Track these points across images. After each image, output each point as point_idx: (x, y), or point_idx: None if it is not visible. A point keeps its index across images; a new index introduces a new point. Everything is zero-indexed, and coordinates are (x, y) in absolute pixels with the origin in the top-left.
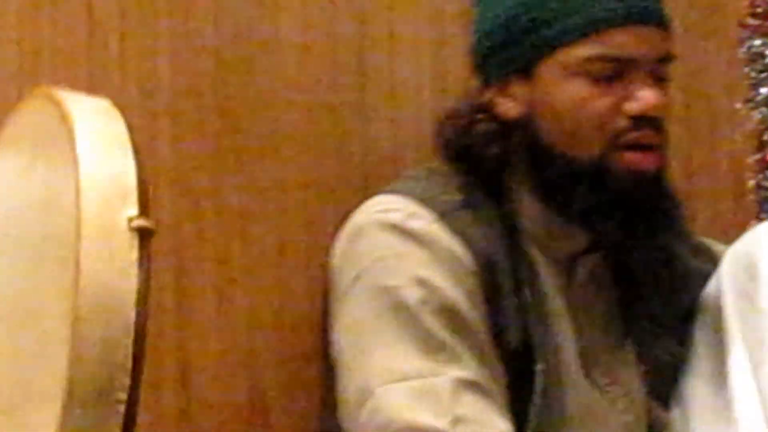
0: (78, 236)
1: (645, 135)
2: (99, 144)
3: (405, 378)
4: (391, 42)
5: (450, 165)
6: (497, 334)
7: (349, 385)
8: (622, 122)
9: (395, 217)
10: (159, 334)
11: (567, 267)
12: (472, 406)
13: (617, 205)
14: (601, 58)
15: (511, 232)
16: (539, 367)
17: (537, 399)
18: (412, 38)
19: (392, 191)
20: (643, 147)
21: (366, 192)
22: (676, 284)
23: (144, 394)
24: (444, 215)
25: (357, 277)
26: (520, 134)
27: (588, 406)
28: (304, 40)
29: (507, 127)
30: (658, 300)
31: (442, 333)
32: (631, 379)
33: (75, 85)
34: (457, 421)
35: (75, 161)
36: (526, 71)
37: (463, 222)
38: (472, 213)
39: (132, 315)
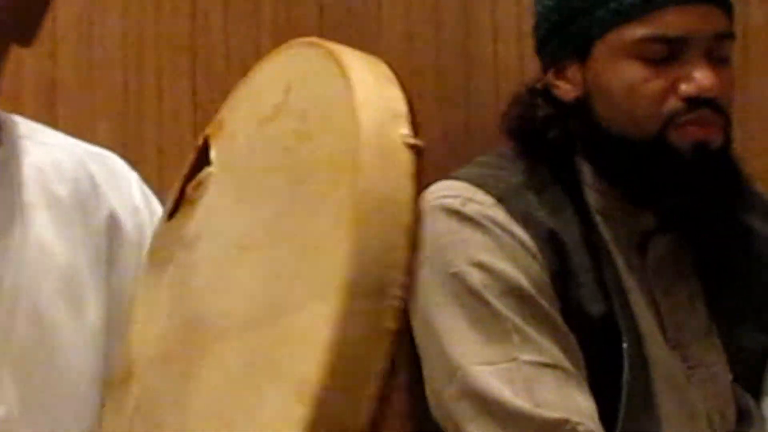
0: (357, 150)
1: (702, 115)
2: (369, 74)
3: (483, 362)
4: (494, 28)
5: (516, 148)
6: (573, 312)
7: (432, 369)
8: (678, 104)
9: (452, 203)
10: None
11: (638, 247)
12: (550, 387)
13: (681, 180)
14: (654, 39)
15: (579, 210)
16: (625, 344)
17: (626, 376)
18: (515, 24)
19: (453, 177)
20: (701, 124)
21: None
22: (755, 263)
23: None
24: (502, 198)
25: (422, 264)
26: (578, 116)
27: (675, 385)
28: (408, 28)
29: (565, 110)
30: (740, 283)
31: (511, 316)
32: (718, 364)
33: (178, 70)
34: (538, 404)
35: (347, 88)
36: (580, 54)
37: (524, 203)
38: (535, 194)
39: (408, 220)
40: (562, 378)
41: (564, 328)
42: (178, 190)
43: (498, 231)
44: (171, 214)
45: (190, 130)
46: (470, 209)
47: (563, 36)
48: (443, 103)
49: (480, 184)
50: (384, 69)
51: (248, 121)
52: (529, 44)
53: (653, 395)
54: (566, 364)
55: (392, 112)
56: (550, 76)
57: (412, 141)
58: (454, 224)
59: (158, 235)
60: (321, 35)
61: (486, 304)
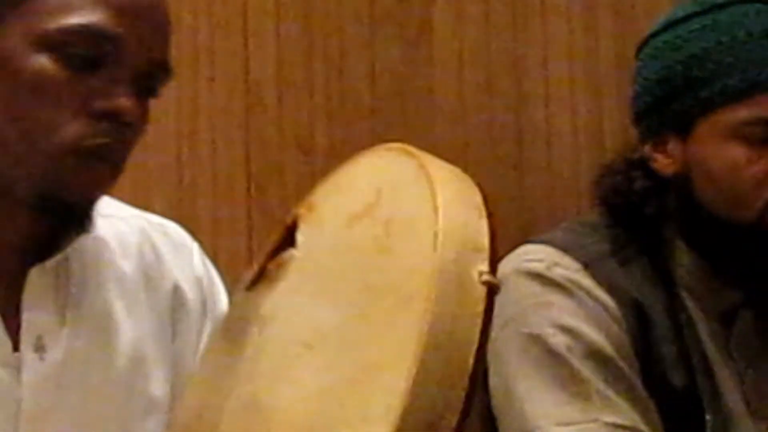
0: (432, 281)
1: None
2: (457, 200)
3: (562, 422)
4: (547, 96)
5: (604, 216)
6: (656, 382)
7: (507, 430)
8: None
9: (538, 266)
10: None
11: (725, 318)
12: None
13: None
14: (757, 122)
15: (665, 282)
16: (708, 417)
17: None
18: (567, 92)
19: (538, 241)
20: None
21: None
22: None
23: None
24: (588, 264)
25: (504, 325)
26: (675, 192)
27: None
28: (460, 96)
29: (663, 184)
30: None
31: (593, 378)
32: None
33: (233, 143)
34: None
35: (434, 210)
36: (682, 130)
37: (610, 270)
38: (620, 262)
39: (471, 362)
40: None
41: (643, 393)
42: (262, 264)
43: (582, 295)
44: (251, 285)
45: (244, 201)
46: (555, 273)
47: (665, 111)
48: (495, 171)
49: (566, 249)
50: (474, 195)
51: (337, 213)
52: (581, 112)
53: None
54: (644, 428)
55: (474, 246)
56: (648, 149)
57: (489, 279)
58: (537, 288)
59: (235, 304)
60: (373, 107)
61: (568, 365)
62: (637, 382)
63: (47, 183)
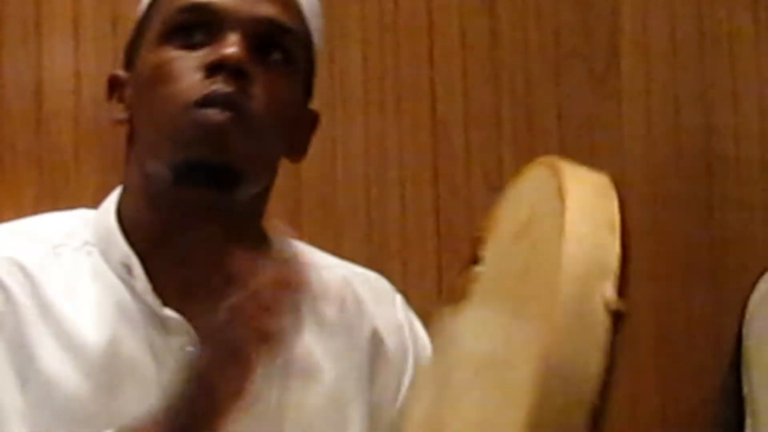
0: (553, 310)
1: None
2: (588, 219)
3: None
4: (736, 128)
5: None
6: None
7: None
8: None
9: None
10: None
11: None
12: None
13: None
14: None
15: None
16: None
17: None
18: (757, 123)
19: None
20: None
21: (715, 281)
22: None
23: None
24: None
25: None
26: None
27: None
28: (648, 130)
29: None
30: None
31: None
32: None
33: (421, 182)
34: None
35: (561, 233)
36: None
37: None
38: None
39: (591, 398)
40: None
41: None
42: (458, 280)
43: None
44: (448, 301)
45: (434, 240)
46: None
47: None
48: (685, 206)
49: None
50: (610, 212)
51: (508, 230)
52: None
53: None
54: None
55: (601, 268)
56: None
57: (615, 305)
58: None
59: (438, 322)
60: (561, 142)
61: None
62: None
63: (182, 145)
